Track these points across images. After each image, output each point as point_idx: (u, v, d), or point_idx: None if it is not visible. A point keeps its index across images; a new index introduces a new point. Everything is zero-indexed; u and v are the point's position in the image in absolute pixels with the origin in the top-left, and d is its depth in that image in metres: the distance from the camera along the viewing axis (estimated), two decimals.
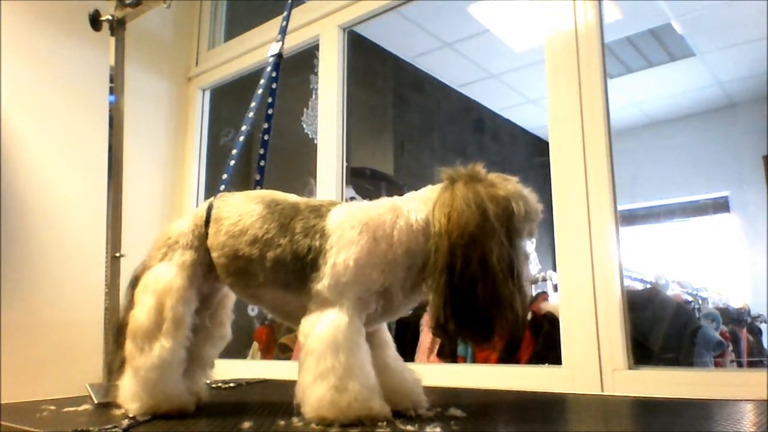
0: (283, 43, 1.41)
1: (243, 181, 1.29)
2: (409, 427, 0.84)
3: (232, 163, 1.26)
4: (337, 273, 0.93)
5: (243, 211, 1.06)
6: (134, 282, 1.15)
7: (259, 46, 2.61)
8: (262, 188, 1.28)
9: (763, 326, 3.78)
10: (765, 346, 3.70)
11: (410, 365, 1.09)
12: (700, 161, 5.12)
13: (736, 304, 3.93)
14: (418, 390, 1.04)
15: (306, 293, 0.97)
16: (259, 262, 1.01)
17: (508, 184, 0.96)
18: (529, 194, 0.97)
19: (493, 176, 0.97)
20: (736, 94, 5.00)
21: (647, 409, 1.18)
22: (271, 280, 1.02)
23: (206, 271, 1.11)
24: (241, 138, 1.29)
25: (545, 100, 1.75)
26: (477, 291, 0.88)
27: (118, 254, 1.59)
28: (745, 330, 3.53)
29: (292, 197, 1.08)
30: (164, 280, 1.06)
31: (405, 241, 0.94)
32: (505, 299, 0.88)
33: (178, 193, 2.82)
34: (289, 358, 2.65)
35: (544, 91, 1.75)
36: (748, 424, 0.96)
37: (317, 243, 0.97)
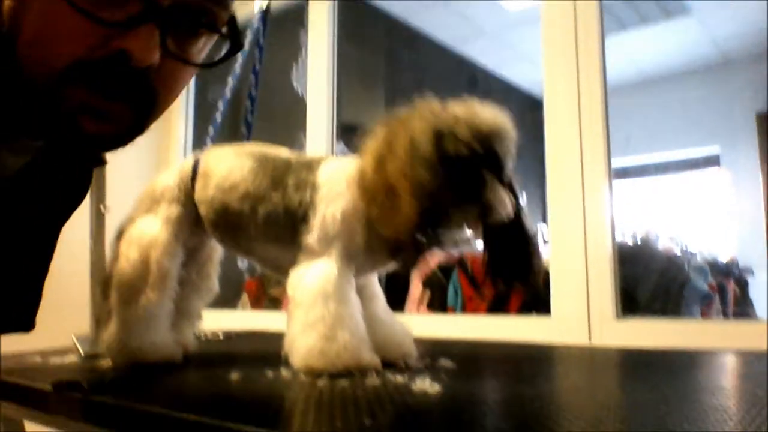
0: None
1: (230, 136, 1.26)
2: (399, 378, 0.84)
3: (219, 118, 1.24)
4: (326, 225, 0.93)
5: (233, 165, 1.04)
6: (120, 235, 1.13)
7: None
8: (249, 142, 1.25)
9: (750, 279, 3.83)
10: (751, 297, 3.76)
11: (400, 316, 1.09)
12: (693, 119, 5.11)
13: (724, 257, 3.98)
14: (408, 341, 1.04)
15: (297, 247, 0.96)
16: (251, 216, 1.00)
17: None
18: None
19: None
20: (731, 52, 4.95)
21: (634, 358, 1.19)
22: (262, 235, 1.01)
23: (192, 225, 1.09)
24: (228, 93, 1.26)
25: (539, 56, 1.71)
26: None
27: (102, 206, 1.57)
28: (732, 282, 3.58)
29: (283, 152, 1.06)
30: (149, 233, 1.04)
31: None
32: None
33: (165, 147, 2.77)
34: (278, 310, 2.66)
35: (539, 48, 1.72)
36: (735, 374, 0.96)
37: (307, 196, 0.96)
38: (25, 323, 0.73)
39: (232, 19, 0.65)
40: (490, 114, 0.88)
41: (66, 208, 0.72)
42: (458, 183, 0.85)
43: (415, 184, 0.84)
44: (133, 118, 0.60)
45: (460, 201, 0.86)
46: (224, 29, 0.64)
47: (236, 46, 0.66)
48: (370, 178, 0.89)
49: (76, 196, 0.72)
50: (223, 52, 0.66)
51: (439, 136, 0.86)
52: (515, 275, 0.96)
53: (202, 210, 1.06)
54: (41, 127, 0.58)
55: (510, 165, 0.90)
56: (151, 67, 0.56)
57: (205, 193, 1.05)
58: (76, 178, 0.70)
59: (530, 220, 0.96)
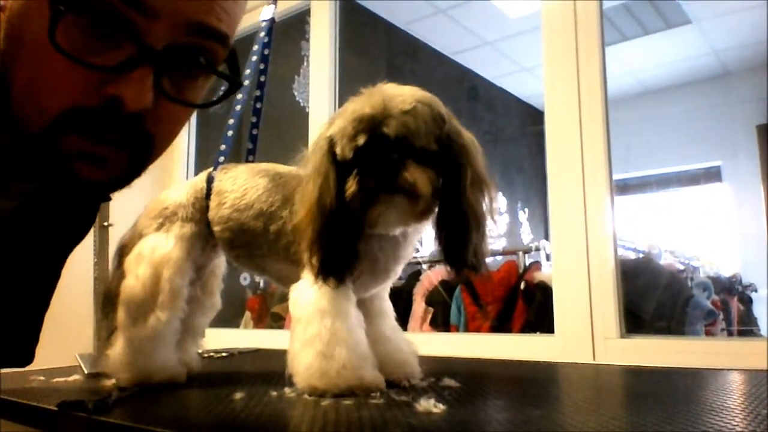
0: (275, 6, 1.37)
1: (234, 150, 1.26)
2: (403, 398, 0.84)
3: (230, 133, 1.24)
4: None
5: (248, 185, 1.05)
6: (122, 249, 1.13)
7: (248, 11, 2.54)
8: (254, 157, 1.26)
9: (753, 295, 3.81)
10: (755, 314, 3.73)
11: (404, 335, 1.08)
12: (693, 131, 5.11)
13: (727, 273, 3.96)
14: (412, 360, 1.03)
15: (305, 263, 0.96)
16: (263, 234, 1.02)
17: None
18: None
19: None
20: (731, 63, 4.96)
21: (639, 377, 1.19)
22: (274, 252, 1.02)
23: (204, 244, 1.10)
24: (238, 107, 1.26)
25: (540, 68, 1.72)
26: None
27: (106, 223, 1.57)
28: (736, 299, 3.56)
29: (294, 169, 1.07)
30: (162, 251, 1.04)
31: None
32: None
33: (167, 161, 2.78)
34: (281, 327, 2.65)
35: (540, 59, 1.73)
36: (740, 393, 0.96)
37: None
38: (24, 358, 0.72)
39: (232, 56, 0.64)
40: (376, 96, 0.85)
41: (68, 243, 0.71)
42: (367, 175, 0.82)
43: (313, 204, 0.86)
44: (129, 161, 0.59)
45: (381, 189, 0.83)
46: (223, 67, 0.63)
47: (235, 84, 0.64)
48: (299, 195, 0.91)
49: (78, 231, 0.71)
50: (222, 90, 0.64)
51: (331, 144, 0.86)
52: (455, 259, 0.90)
53: (217, 229, 1.07)
54: (36, 173, 0.57)
55: (419, 135, 0.83)
56: (144, 110, 0.55)
57: (219, 211, 1.06)
58: (77, 213, 0.69)
59: (476, 194, 0.88)
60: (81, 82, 0.53)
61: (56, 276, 0.72)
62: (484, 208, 0.89)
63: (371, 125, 0.82)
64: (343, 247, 0.88)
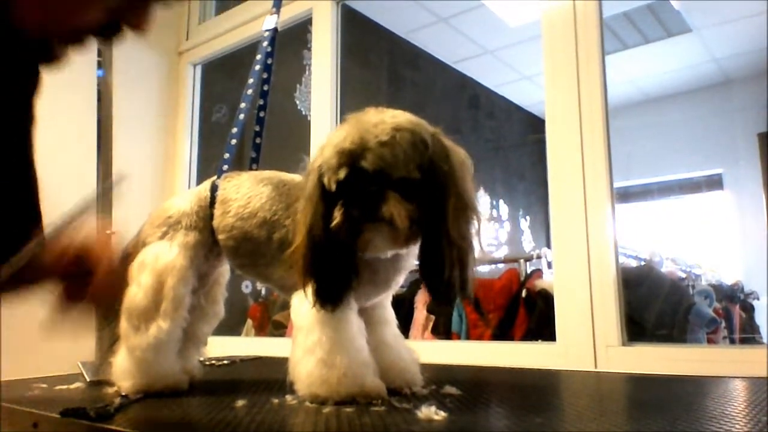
0: (278, 16, 1.38)
1: (237, 158, 1.27)
2: (404, 405, 0.84)
3: (234, 142, 1.24)
4: None
5: (252, 193, 1.06)
6: (125, 258, 1.13)
7: (250, 20, 2.56)
8: (258, 165, 1.26)
9: (755, 303, 3.80)
10: (757, 322, 3.73)
11: (406, 342, 1.08)
12: (694, 138, 5.11)
13: (729, 280, 3.96)
14: (413, 368, 1.03)
15: None
16: (267, 243, 1.02)
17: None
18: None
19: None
20: (732, 71, 4.98)
21: (640, 385, 1.19)
22: (277, 260, 1.02)
23: (207, 252, 1.10)
24: (241, 116, 1.26)
25: (541, 76, 1.73)
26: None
27: (108, 231, 1.58)
28: (737, 307, 3.56)
29: (297, 177, 1.07)
30: (165, 259, 1.04)
31: None
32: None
33: (170, 169, 2.79)
34: (283, 335, 2.65)
35: (540, 68, 1.73)
36: (741, 401, 0.96)
37: None
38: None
39: None
40: (358, 127, 0.84)
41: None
42: (351, 206, 0.82)
43: (304, 234, 0.87)
44: None
45: (364, 220, 0.82)
46: None
47: None
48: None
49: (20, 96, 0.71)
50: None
51: (320, 174, 0.86)
52: (437, 292, 0.89)
53: (221, 237, 1.07)
54: None
55: (397, 167, 0.82)
56: None
57: (224, 220, 1.06)
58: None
59: (461, 220, 0.86)
60: None
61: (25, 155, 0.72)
62: (470, 233, 0.87)
63: (351, 158, 0.82)
64: (335, 275, 0.88)
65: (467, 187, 0.88)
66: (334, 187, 0.83)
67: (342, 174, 0.82)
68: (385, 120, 0.84)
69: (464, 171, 0.88)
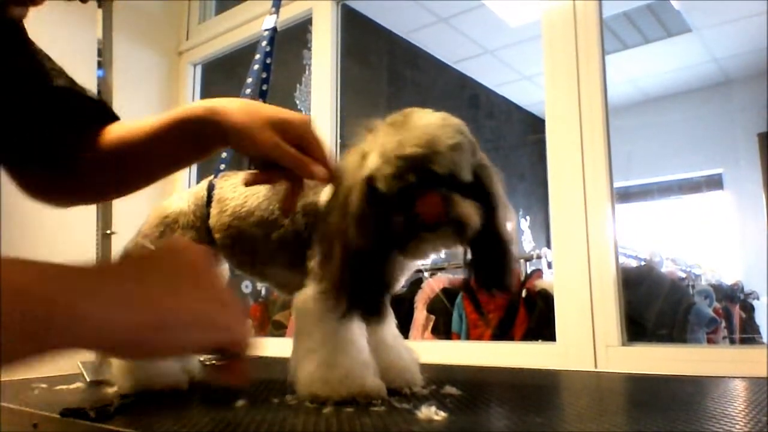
0: (278, 16, 1.38)
1: (235, 158, 1.27)
2: (404, 405, 0.84)
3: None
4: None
5: (249, 192, 1.05)
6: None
7: (251, 20, 2.56)
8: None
9: (755, 303, 3.81)
10: (757, 322, 3.73)
11: (405, 342, 1.08)
12: (694, 138, 5.12)
13: (729, 280, 3.96)
14: (413, 368, 1.03)
15: (307, 270, 0.96)
16: (264, 242, 1.01)
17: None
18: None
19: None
20: (732, 71, 4.98)
21: (640, 385, 1.19)
22: (276, 260, 1.02)
23: None
24: None
25: (541, 76, 1.73)
26: None
27: (109, 231, 1.58)
28: (737, 307, 3.56)
29: None
30: None
31: None
32: None
33: None
34: (283, 335, 2.65)
35: (540, 68, 1.73)
36: (741, 401, 0.96)
37: (312, 219, 0.97)
38: None
39: None
40: (417, 131, 0.82)
41: None
42: (411, 215, 0.80)
43: (344, 245, 0.84)
44: None
45: (426, 228, 0.81)
46: None
47: None
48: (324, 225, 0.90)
49: None
50: None
51: (369, 185, 0.83)
52: (493, 282, 0.92)
53: (218, 237, 1.07)
54: None
55: (464, 169, 0.83)
56: None
57: (220, 219, 1.06)
58: None
59: (505, 220, 0.90)
60: None
61: None
62: (510, 231, 0.91)
63: (419, 163, 0.81)
64: (378, 285, 0.88)
65: (500, 187, 0.91)
66: (395, 191, 0.81)
67: (412, 179, 0.81)
68: (447, 123, 0.84)
69: (496, 171, 0.91)
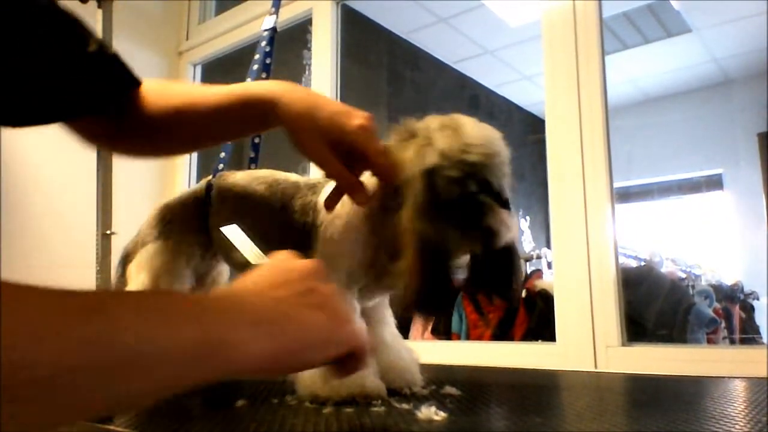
0: (277, 16, 1.38)
1: (235, 158, 1.27)
2: (404, 406, 0.84)
3: (230, 141, 1.24)
4: (324, 248, 0.93)
5: (246, 191, 1.05)
6: (125, 258, 1.13)
7: (251, 20, 2.57)
8: (256, 165, 1.26)
9: (755, 303, 3.81)
10: (757, 323, 3.73)
11: (405, 342, 1.08)
12: (694, 139, 5.12)
13: (729, 281, 3.96)
14: (413, 368, 1.03)
15: None
16: (264, 242, 1.01)
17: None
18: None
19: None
20: (732, 71, 4.98)
21: (640, 385, 1.19)
22: None
23: (203, 251, 1.10)
24: None
25: (541, 76, 1.73)
26: None
27: (108, 232, 1.58)
28: (737, 307, 3.56)
29: (293, 176, 1.07)
30: (160, 258, 1.04)
31: None
32: None
33: (169, 170, 2.79)
34: None
35: (540, 68, 1.73)
36: (741, 401, 0.96)
37: (310, 219, 0.97)
38: None
39: None
40: (478, 140, 0.82)
41: None
42: (457, 218, 0.81)
43: (418, 241, 0.82)
44: None
45: (463, 232, 0.82)
46: None
47: None
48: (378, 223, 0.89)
49: None
50: None
51: (430, 179, 0.82)
52: (497, 290, 0.93)
53: (216, 236, 1.07)
54: None
55: (505, 184, 0.85)
56: None
57: (219, 219, 1.06)
58: None
59: (516, 232, 0.91)
60: None
61: None
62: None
63: (477, 171, 0.81)
64: (447, 282, 0.87)
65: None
66: (453, 197, 0.81)
67: (473, 188, 0.81)
68: (500, 135, 0.86)
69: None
